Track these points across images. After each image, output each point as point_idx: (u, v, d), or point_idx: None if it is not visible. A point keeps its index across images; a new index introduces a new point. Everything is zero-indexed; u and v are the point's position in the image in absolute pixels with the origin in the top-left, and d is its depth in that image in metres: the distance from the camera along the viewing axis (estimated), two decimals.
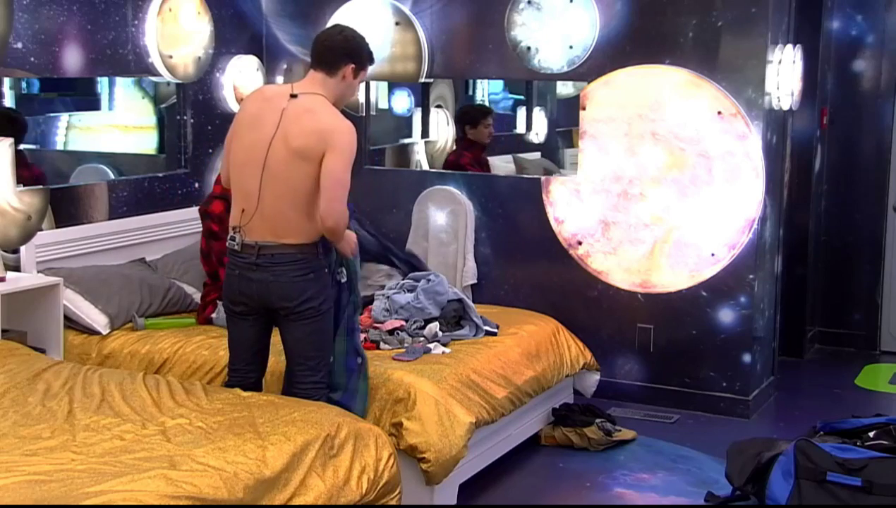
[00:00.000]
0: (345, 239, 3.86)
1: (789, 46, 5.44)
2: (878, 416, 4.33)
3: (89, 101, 6.34)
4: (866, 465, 3.80)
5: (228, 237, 3.85)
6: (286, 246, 3.76)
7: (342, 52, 3.84)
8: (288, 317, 3.83)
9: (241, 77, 6.12)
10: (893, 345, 6.80)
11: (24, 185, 4.80)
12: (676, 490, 4.53)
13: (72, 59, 5.09)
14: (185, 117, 5.83)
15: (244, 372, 3.98)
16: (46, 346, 4.45)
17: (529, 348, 4.80)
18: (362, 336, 4.60)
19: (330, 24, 6.13)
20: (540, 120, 7.52)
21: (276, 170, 3.73)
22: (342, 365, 4.02)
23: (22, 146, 5.30)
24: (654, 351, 5.60)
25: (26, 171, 5.17)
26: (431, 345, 4.54)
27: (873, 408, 5.10)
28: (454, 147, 6.81)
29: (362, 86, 6.18)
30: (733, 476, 4.15)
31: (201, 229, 4.99)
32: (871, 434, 4.10)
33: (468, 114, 6.70)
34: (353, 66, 3.85)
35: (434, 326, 4.72)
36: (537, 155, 7.47)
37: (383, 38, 6.04)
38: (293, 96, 3.77)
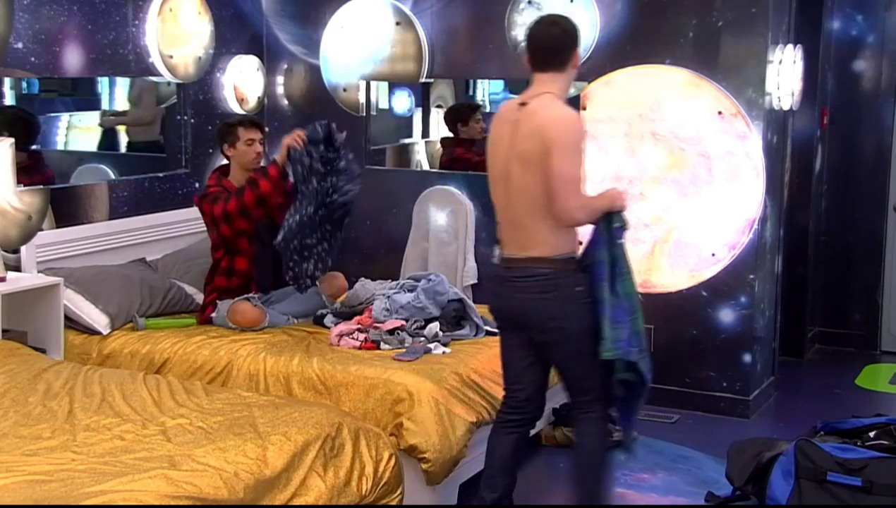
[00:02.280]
0: (605, 198, 3.66)
1: (789, 46, 5.44)
2: (878, 416, 4.32)
3: (89, 101, 6.33)
4: (866, 465, 3.80)
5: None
6: (530, 259, 3.60)
7: (567, 45, 3.66)
8: (540, 337, 3.70)
9: (241, 77, 6.13)
10: (893, 345, 6.79)
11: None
12: (676, 490, 4.53)
13: (72, 59, 5.10)
14: (185, 117, 5.84)
15: (513, 390, 3.86)
16: (47, 346, 4.45)
17: None
18: (362, 336, 4.61)
19: (331, 24, 6.15)
20: None
21: (514, 180, 3.62)
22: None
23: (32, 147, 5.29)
24: (654, 351, 5.57)
25: (39, 176, 5.16)
26: (432, 345, 4.53)
27: (873, 408, 5.09)
28: (441, 150, 6.73)
29: (362, 86, 6.18)
30: (733, 476, 4.15)
31: (203, 219, 4.92)
32: (872, 434, 4.09)
33: (458, 112, 6.61)
34: (576, 50, 3.68)
35: (434, 326, 4.71)
36: None
37: (383, 38, 6.05)
38: (522, 105, 3.64)
